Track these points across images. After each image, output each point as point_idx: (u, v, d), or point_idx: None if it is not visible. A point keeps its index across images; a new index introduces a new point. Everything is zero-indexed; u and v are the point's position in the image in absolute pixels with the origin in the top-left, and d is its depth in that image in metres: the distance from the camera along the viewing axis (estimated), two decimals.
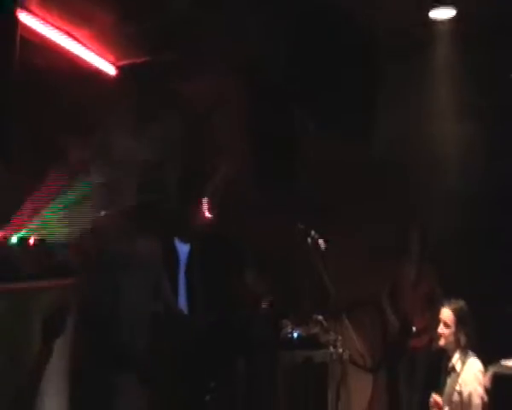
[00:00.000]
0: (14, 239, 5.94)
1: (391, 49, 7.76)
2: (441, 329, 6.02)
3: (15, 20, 5.77)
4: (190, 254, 6.35)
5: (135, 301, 5.23)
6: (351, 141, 7.64)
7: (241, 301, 6.52)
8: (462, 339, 5.90)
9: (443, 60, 7.80)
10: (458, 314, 5.93)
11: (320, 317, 6.74)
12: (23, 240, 5.99)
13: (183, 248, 6.34)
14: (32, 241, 6.02)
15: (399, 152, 7.80)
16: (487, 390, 5.37)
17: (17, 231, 5.99)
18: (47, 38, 6.29)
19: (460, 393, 5.81)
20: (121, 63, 6.87)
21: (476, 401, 5.64)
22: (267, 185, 7.69)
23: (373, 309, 7.80)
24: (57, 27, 6.32)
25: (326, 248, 6.53)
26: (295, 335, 6.60)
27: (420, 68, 7.78)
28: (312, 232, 6.60)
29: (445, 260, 7.63)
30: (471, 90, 7.57)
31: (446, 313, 5.99)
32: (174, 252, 6.22)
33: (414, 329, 7.49)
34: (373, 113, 7.92)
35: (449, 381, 5.96)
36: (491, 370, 5.45)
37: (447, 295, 6.28)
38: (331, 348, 6.55)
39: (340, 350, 6.54)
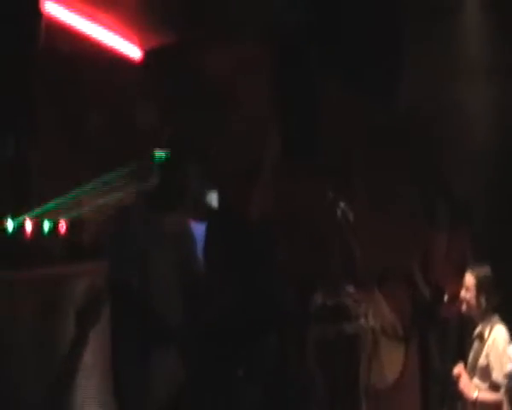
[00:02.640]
0: (45, 225, 6.04)
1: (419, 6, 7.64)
2: (463, 293, 6.03)
3: (39, 7, 5.83)
4: (210, 234, 6.34)
5: (164, 277, 5.30)
6: (376, 101, 7.57)
7: (270, 275, 6.54)
8: (483, 304, 5.91)
9: (472, 17, 7.70)
10: (479, 279, 5.92)
11: (351, 289, 6.78)
12: (54, 225, 6.09)
13: (199, 228, 6.33)
14: (62, 226, 6.12)
15: (427, 112, 7.71)
16: None
17: (48, 216, 6.08)
18: (71, 24, 6.32)
19: (487, 357, 5.82)
20: (147, 46, 6.84)
21: (506, 368, 5.64)
22: (294, 155, 7.64)
23: (404, 279, 7.78)
24: (81, 12, 6.34)
25: (355, 220, 6.54)
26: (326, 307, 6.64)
27: (449, 25, 7.67)
28: (342, 204, 6.61)
29: (476, 222, 7.58)
30: (500, 47, 7.46)
31: (468, 278, 6.00)
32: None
33: (446, 297, 7.48)
34: (399, 71, 7.82)
35: (475, 347, 5.97)
36: None
37: (480, 260, 6.27)
38: (362, 320, 6.62)
39: (372, 322, 6.61)
